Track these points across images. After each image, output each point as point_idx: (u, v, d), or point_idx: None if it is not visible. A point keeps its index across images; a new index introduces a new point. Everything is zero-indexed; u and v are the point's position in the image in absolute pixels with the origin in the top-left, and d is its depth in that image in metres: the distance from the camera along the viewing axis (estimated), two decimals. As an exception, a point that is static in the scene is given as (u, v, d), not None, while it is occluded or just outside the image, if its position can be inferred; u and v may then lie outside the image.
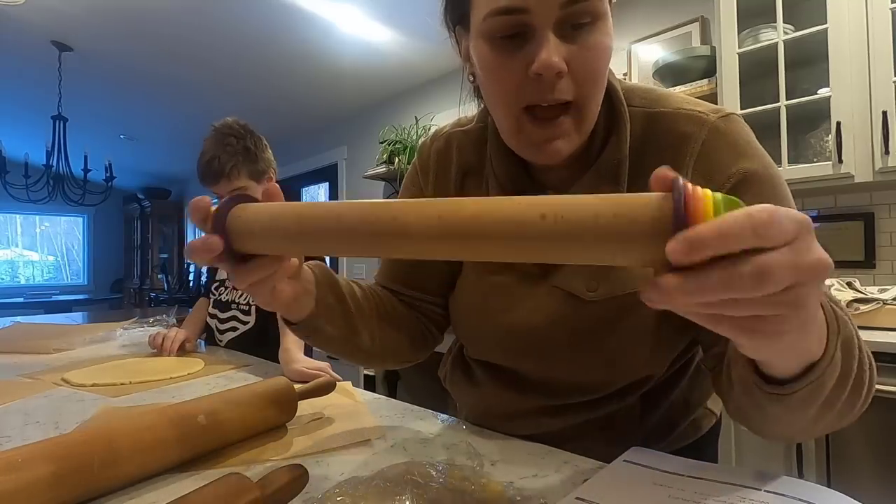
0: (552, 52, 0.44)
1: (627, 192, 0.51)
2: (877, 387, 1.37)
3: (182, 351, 1.18)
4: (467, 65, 0.54)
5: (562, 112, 0.48)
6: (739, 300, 0.23)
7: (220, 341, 1.34)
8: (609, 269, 0.51)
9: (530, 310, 0.56)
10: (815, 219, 1.85)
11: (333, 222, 0.35)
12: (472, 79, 0.56)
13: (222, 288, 1.39)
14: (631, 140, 0.53)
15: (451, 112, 3.03)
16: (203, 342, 1.39)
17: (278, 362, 0.99)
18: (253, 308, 1.31)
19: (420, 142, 0.68)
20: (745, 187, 0.48)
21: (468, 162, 0.63)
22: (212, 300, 1.40)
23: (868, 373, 0.39)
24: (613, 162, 0.52)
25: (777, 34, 1.71)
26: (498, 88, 0.49)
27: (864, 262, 1.77)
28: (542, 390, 0.60)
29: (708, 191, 0.25)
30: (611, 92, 0.53)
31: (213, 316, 1.37)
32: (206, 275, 1.56)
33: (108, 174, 3.67)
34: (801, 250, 0.23)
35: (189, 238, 6.70)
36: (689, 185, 0.25)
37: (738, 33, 1.78)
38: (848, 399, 0.38)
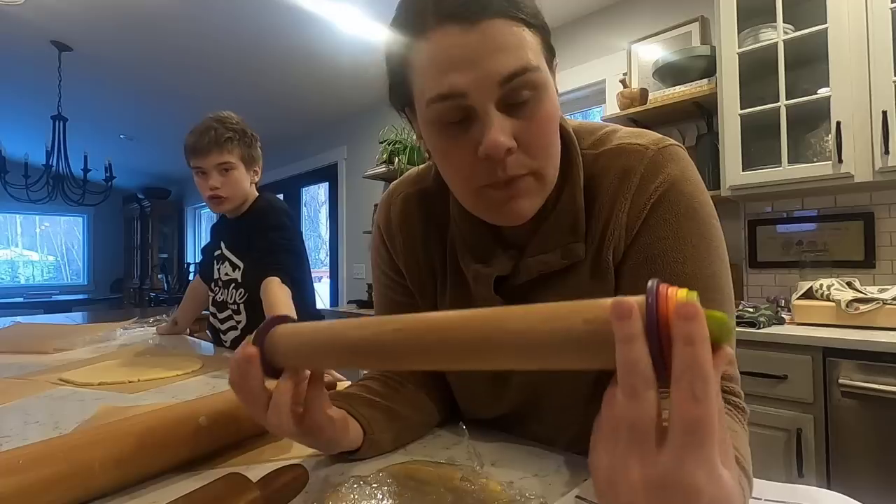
0: (497, 132, 0.43)
1: (586, 237, 0.53)
2: (877, 387, 1.34)
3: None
4: (421, 141, 0.53)
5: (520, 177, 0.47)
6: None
7: (225, 342, 1.34)
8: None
9: None
10: (814, 218, 1.87)
11: (346, 347, 0.38)
12: (427, 155, 0.55)
13: (217, 288, 1.39)
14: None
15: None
16: (212, 344, 1.39)
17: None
18: (242, 306, 1.32)
19: (377, 208, 0.68)
20: (664, 204, 0.50)
21: (430, 223, 0.63)
22: (210, 298, 1.41)
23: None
24: (569, 212, 0.52)
25: (777, 34, 1.71)
26: (452, 172, 0.49)
27: (863, 261, 1.76)
28: (493, 377, 0.62)
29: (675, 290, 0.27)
30: (564, 137, 0.53)
31: (213, 315, 1.38)
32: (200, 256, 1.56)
33: (108, 174, 3.67)
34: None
35: (188, 238, 6.70)
36: (662, 292, 0.27)
37: (738, 33, 1.78)
38: None
